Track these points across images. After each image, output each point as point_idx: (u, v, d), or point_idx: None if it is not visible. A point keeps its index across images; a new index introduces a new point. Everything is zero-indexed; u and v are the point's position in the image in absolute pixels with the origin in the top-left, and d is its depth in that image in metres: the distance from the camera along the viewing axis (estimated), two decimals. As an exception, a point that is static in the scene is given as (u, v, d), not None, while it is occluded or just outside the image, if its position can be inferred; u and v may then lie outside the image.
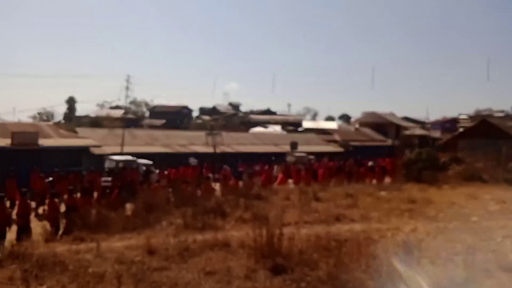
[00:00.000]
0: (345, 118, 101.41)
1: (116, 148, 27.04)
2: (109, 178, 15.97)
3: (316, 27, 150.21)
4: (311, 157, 28.17)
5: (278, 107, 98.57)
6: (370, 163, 24.44)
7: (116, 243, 7.71)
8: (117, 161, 21.39)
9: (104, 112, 60.43)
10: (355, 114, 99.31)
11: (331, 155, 33.10)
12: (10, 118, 56.06)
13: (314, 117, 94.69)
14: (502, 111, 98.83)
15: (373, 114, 58.03)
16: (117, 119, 53.18)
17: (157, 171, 20.78)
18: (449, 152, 27.97)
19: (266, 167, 22.51)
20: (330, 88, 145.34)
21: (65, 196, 12.16)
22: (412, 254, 5.49)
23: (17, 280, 5.20)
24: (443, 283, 4.82)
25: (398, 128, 55.33)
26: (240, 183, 15.99)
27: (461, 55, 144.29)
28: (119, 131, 31.02)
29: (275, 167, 22.62)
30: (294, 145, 33.62)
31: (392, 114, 66.62)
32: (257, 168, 22.19)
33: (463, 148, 25.38)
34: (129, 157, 22.51)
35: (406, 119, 68.95)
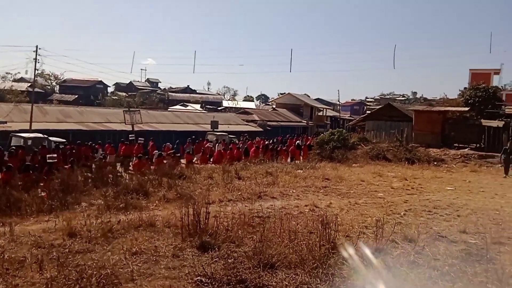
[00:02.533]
0: (263, 98, 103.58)
1: (24, 124, 24.89)
2: (55, 155, 15.40)
3: (235, 6, 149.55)
4: (232, 136, 28.54)
5: (198, 86, 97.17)
6: (298, 142, 25.76)
7: (32, 227, 7.32)
8: (26, 139, 19.74)
9: (7, 85, 54.84)
10: (273, 94, 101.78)
11: (250, 134, 33.78)
12: None
13: (233, 97, 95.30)
14: (403, 96, 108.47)
15: (289, 95, 60.02)
16: (22, 92, 48.72)
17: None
18: (357, 132, 30.09)
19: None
20: (248, 68, 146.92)
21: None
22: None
23: None
24: (357, 254, 5.37)
25: (312, 109, 57.94)
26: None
27: (370, 43, 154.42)
28: (26, 106, 28.55)
29: (217, 144, 23.12)
30: (214, 124, 33.69)
31: (307, 96, 69.53)
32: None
33: (370, 129, 27.28)
34: (39, 135, 20.90)
35: (319, 100, 72.45)
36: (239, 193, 10.24)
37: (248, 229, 6.80)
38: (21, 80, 64.68)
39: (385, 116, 27.82)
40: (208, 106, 65.21)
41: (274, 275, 4.97)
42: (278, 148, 23.24)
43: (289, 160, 20.93)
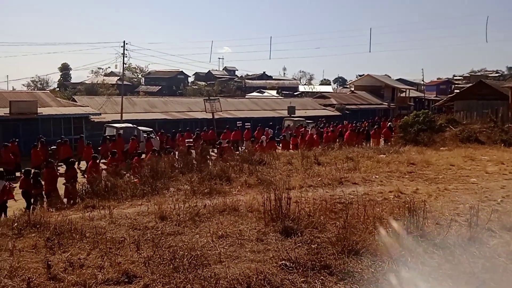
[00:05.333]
0: (341, 81, 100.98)
1: (115, 115, 27.00)
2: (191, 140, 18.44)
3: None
4: (309, 121, 28.34)
5: (273, 72, 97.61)
6: (389, 124, 25.42)
7: (127, 210, 7.92)
8: (118, 128, 21.43)
9: (99, 80, 59.75)
10: (350, 77, 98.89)
11: (328, 118, 33.25)
12: (3, 86, 55.40)
13: (309, 81, 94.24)
14: (497, 72, 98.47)
15: (369, 76, 57.74)
16: (112, 86, 52.72)
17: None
18: (445, 113, 28.17)
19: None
20: (325, 51, 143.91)
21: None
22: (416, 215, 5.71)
23: (41, 248, 5.40)
24: (448, 242, 5.07)
25: (393, 90, 55.27)
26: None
27: (458, 16, 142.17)
28: (117, 98, 30.86)
29: (309, 129, 24.30)
30: (291, 110, 33.65)
31: (387, 77, 66.29)
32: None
33: (459, 110, 25.45)
34: (129, 125, 22.56)
35: (401, 81, 68.61)
36: (319, 178, 10.14)
37: (330, 215, 6.73)
38: (111, 74, 69.91)
39: (476, 95, 25.74)
40: (284, 92, 65.22)
41: (359, 261, 4.88)
42: (371, 132, 22.99)
43: (382, 143, 20.54)
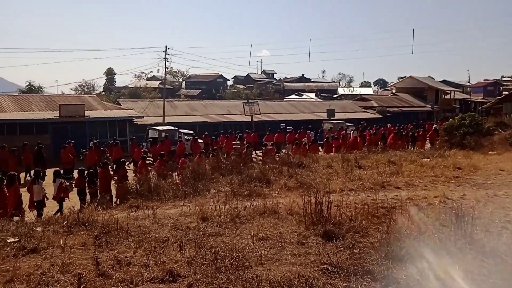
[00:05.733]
0: (381, 83, 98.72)
1: (158, 118, 27.74)
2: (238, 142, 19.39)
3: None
4: (349, 124, 27.93)
5: (312, 74, 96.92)
6: (434, 126, 24.91)
7: (170, 210, 8.10)
8: (160, 131, 22.02)
9: (142, 83, 61.63)
10: (392, 79, 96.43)
11: (368, 121, 32.61)
12: (52, 90, 58.30)
13: (349, 83, 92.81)
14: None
15: (411, 78, 56.15)
16: (154, 89, 54.23)
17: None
18: (493, 116, 26.95)
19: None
20: (365, 53, 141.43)
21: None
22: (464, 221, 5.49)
23: (90, 245, 5.63)
24: (499, 251, 4.84)
25: (437, 92, 53.41)
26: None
27: (504, 15, 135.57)
28: (159, 102, 31.70)
29: (351, 131, 24.47)
30: (330, 112, 33.28)
31: (431, 78, 64.13)
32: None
33: (509, 113, 24.28)
34: (171, 127, 23.13)
35: (446, 82, 66.10)
36: (360, 182, 9.97)
37: (373, 220, 6.60)
38: (153, 78, 72.04)
39: (527, 96, 24.40)
40: (323, 94, 64.65)
41: (403, 268, 4.75)
42: (416, 134, 22.47)
43: (428, 146, 20.01)
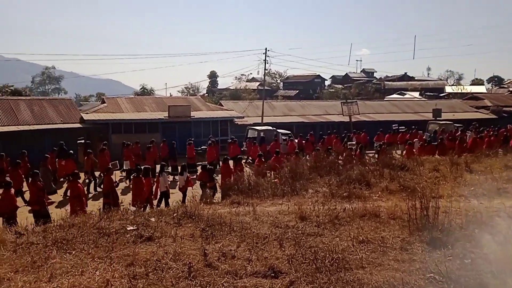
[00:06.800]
0: (496, 80, 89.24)
1: (257, 118, 28.57)
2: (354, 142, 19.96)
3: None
4: (458, 125, 25.84)
5: (416, 72, 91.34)
6: None
7: (269, 208, 8.32)
8: (259, 131, 22.67)
9: (242, 85, 63.97)
10: (509, 76, 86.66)
11: (481, 122, 29.79)
12: (162, 93, 63.38)
13: (458, 81, 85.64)
14: None
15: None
16: (254, 91, 55.93)
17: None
18: None
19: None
20: (477, 48, 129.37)
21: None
22: None
23: (197, 237, 6.05)
24: None
25: None
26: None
27: None
28: (258, 102, 32.61)
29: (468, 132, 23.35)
30: (437, 112, 31.04)
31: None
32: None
33: None
34: (270, 127, 23.66)
35: None
36: (472, 188, 9.20)
37: (487, 229, 6.05)
38: (252, 80, 74.27)
39: None
40: (428, 93, 60.57)
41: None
42: None
43: None
